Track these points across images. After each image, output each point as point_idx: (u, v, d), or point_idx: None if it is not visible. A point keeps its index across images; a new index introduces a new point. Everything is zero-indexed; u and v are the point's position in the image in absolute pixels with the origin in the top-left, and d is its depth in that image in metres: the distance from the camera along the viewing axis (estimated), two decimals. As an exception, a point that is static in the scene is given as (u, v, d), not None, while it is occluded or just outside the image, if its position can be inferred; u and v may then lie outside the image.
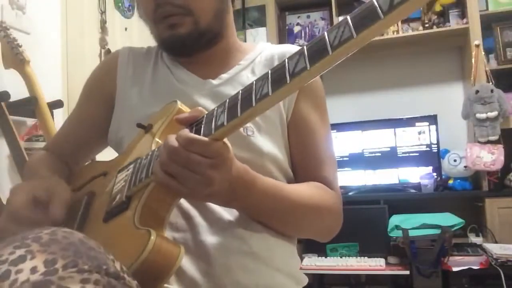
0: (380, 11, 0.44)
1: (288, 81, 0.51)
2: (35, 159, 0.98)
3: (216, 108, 0.61)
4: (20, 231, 0.67)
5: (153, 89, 0.87)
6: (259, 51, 0.91)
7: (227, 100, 0.60)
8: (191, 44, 0.83)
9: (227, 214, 0.75)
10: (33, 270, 0.39)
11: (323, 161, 0.85)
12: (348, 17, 0.48)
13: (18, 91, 1.69)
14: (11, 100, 1.66)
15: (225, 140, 0.61)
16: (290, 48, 0.89)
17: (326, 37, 0.49)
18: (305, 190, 0.80)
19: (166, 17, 0.80)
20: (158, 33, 0.84)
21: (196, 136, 0.59)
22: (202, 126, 0.61)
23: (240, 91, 0.58)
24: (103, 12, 2.51)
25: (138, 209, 0.64)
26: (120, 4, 2.70)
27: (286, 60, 0.53)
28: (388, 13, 0.44)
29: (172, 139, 0.60)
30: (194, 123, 0.63)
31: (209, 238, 0.73)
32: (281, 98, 0.54)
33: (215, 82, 0.85)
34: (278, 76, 0.53)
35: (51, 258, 0.41)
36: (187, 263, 0.70)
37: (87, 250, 0.43)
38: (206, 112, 0.63)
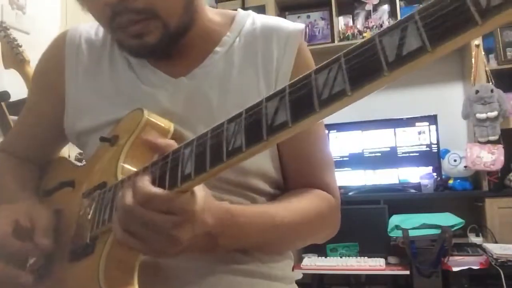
0: (385, 65, 0.34)
1: (265, 138, 0.42)
2: None
3: (182, 149, 0.52)
4: (6, 259, 0.64)
5: (114, 90, 0.74)
6: (238, 29, 0.76)
7: (195, 140, 0.50)
8: (160, 51, 0.69)
9: None
10: None
11: (322, 165, 0.78)
12: (343, 61, 0.37)
13: (18, 91, 1.68)
14: (11, 100, 1.66)
15: (195, 189, 0.52)
16: (277, 23, 0.76)
17: (313, 84, 0.39)
18: (300, 208, 0.71)
19: (127, 26, 0.65)
20: (119, 40, 0.69)
21: (156, 191, 0.50)
22: (167, 171, 0.52)
23: (209, 132, 0.48)
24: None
25: (103, 259, 0.58)
26: (120, 4, 2.69)
27: (264, 102, 0.43)
28: (395, 68, 0.34)
29: (128, 197, 0.51)
30: (160, 160, 0.54)
31: (195, 263, 0.66)
32: (256, 153, 0.45)
33: (188, 81, 0.72)
34: (253, 127, 0.43)
35: None
36: None
37: None
38: (173, 149, 0.54)
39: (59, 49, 0.79)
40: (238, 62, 0.73)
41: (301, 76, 0.41)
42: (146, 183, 0.52)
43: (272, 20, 0.78)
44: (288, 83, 0.42)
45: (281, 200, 0.73)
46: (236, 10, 0.80)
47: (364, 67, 0.35)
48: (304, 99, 0.39)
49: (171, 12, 0.66)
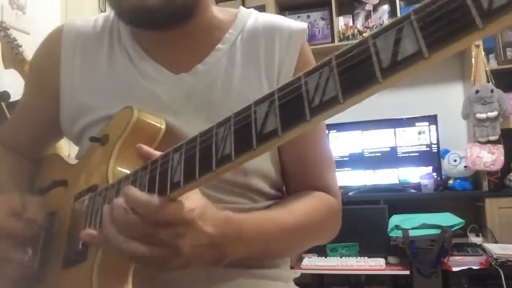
0: (379, 72, 0.31)
1: (254, 147, 0.40)
2: None
3: (171, 154, 0.49)
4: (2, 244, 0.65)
5: (112, 85, 0.71)
6: (240, 26, 0.74)
7: (184, 145, 0.48)
8: (160, 19, 0.65)
9: None
10: None
11: (323, 167, 0.76)
12: (334, 64, 0.34)
13: (18, 91, 1.67)
14: (11, 100, 1.66)
15: (190, 197, 0.50)
16: (279, 22, 0.74)
17: (304, 89, 0.36)
18: (302, 213, 0.69)
19: None
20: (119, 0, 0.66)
21: (148, 198, 0.48)
22: (157, 177, 0.50)
23: (199, 137, 0.46)
24: (103, 12, 2.51)
25: (96, 268, 0.57)
26: (120, 4, 2.70)
27: (253, 107, 0.41)
28: (389, 75, 0.31)
29: (121, 209, 0.48)
30: (149, 165, 0.52)
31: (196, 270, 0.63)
32: (246, 161, 0.42)
33: (189, 78, 0.70)
34: (242, 134, 0.41)
35: None
36: None
37: None
38: (162, 154, 0.52)
39: (55, 43, 0.77)
40: (240, 60, 0.72)
41: (290, 80, 0.38)
42: (135, 191, 0.49)
43: (275, 18, 0.76)
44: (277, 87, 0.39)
45: (282, 205, 0.71)
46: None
47: (357, 73, 0.32)
48: (294, 106, 0.37)
49: None
